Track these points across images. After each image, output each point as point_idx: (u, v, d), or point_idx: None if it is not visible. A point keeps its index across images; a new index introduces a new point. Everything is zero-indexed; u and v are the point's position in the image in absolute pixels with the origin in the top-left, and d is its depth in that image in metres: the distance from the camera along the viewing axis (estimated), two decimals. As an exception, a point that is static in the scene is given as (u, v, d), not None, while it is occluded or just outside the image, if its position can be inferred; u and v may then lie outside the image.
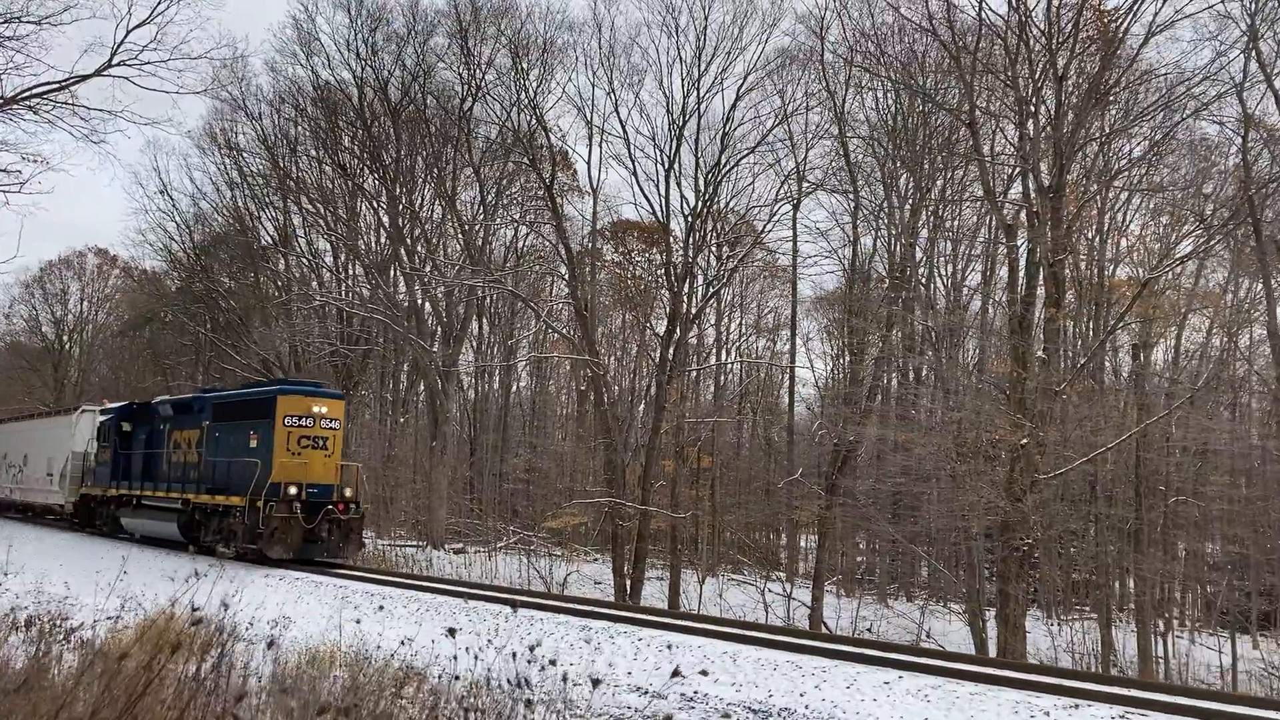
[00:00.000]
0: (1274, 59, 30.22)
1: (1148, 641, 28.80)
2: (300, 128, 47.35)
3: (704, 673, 13.50)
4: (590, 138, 38.78)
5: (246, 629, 11.91)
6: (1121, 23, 28.12)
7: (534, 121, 38.14)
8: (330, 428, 23.91)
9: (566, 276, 39.28)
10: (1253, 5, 29.31)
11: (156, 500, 27.46)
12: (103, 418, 32.26)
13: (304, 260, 51.08)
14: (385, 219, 46.23)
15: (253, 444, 24.11)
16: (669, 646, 14.73)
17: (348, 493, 23.98)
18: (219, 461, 25.22)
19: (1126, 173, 31.91)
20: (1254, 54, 29.89)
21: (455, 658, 7.21)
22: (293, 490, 22.91)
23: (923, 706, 11.85)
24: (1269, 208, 31.44)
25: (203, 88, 35.38)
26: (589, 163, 48.14)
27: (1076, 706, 11.28)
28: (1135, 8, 27.46)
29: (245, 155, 49.15)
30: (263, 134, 47.36)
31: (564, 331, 42.45)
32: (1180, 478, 34.26)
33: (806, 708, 12.48)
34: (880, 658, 13.27)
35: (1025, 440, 24.28)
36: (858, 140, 36.75)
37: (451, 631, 6.64)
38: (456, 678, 7.25)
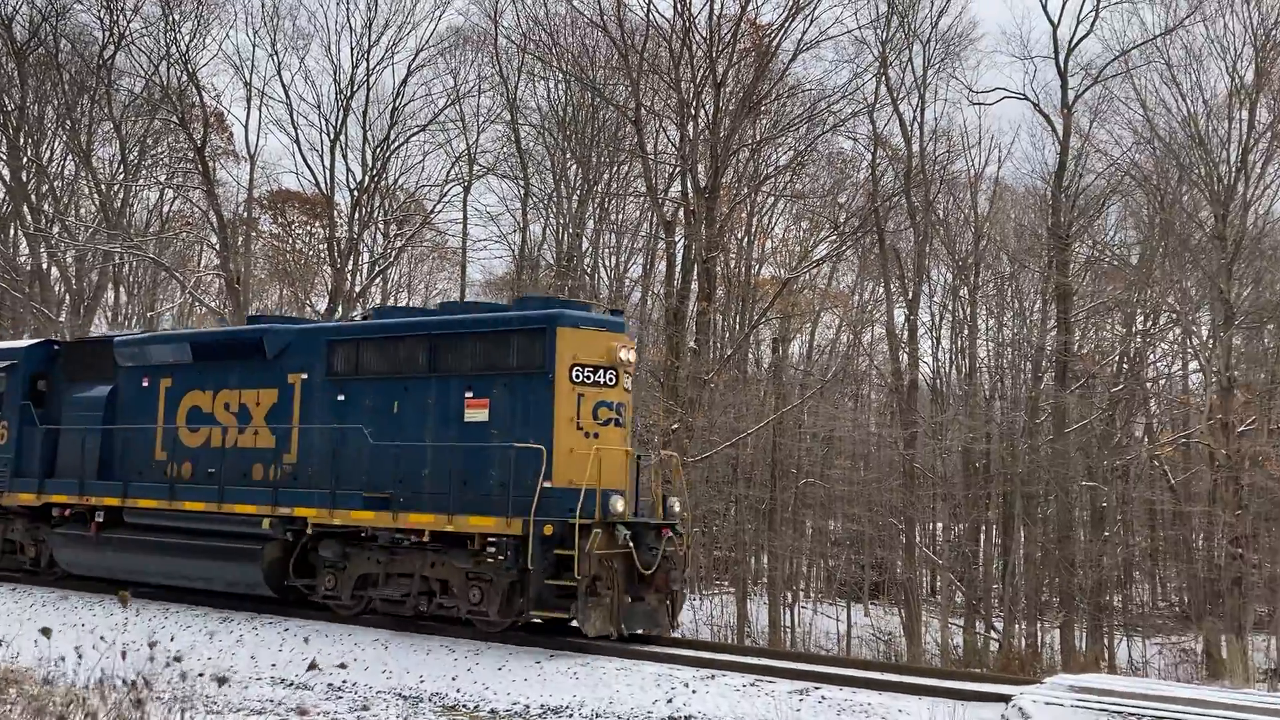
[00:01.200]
0: (900, 85, 33.64)
1: (778, 613, 31.20)
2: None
3: (342, 665, 13.16)
4: (249, 100, 36.52)
5: None
6: (774, 38, 30.23)
7: (185, 78, 35.42)
8: (628, 389, 14.39)
9: (218, 246, 36.86)
10: (884, 34, 32.46)
11: (174, 516, 16.14)
12: None
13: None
14: (5, 171, 41.27)
15: (476, 415, 13.96)
16: (305, 640, 14.21)
17: (675, 506, 14.44)
18: (392, 450, 14.39)
19: (774, 179, 34.37)
20: (884, 79, 33.15)
21: (64, 659, 6.53)
22: (619, 505, 13.37)
23: (572, 684, 12.16)
24: (891, 219, 35.02)
25: None
26: (246, 126, 45.29)
27: (713, 676, 12.01)
28: (786, 25, 29.63)
29: None
30: None
31: (213, 305, 39.83)
32: (809, 461, 37.39)
33: (459, 691, 12.47)
34: (531, 640, 13.48)
35: (676, 425, 25.57)
36: (529, 128, 37.09)
37: (46, 631, 5.98)
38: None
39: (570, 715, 11.48)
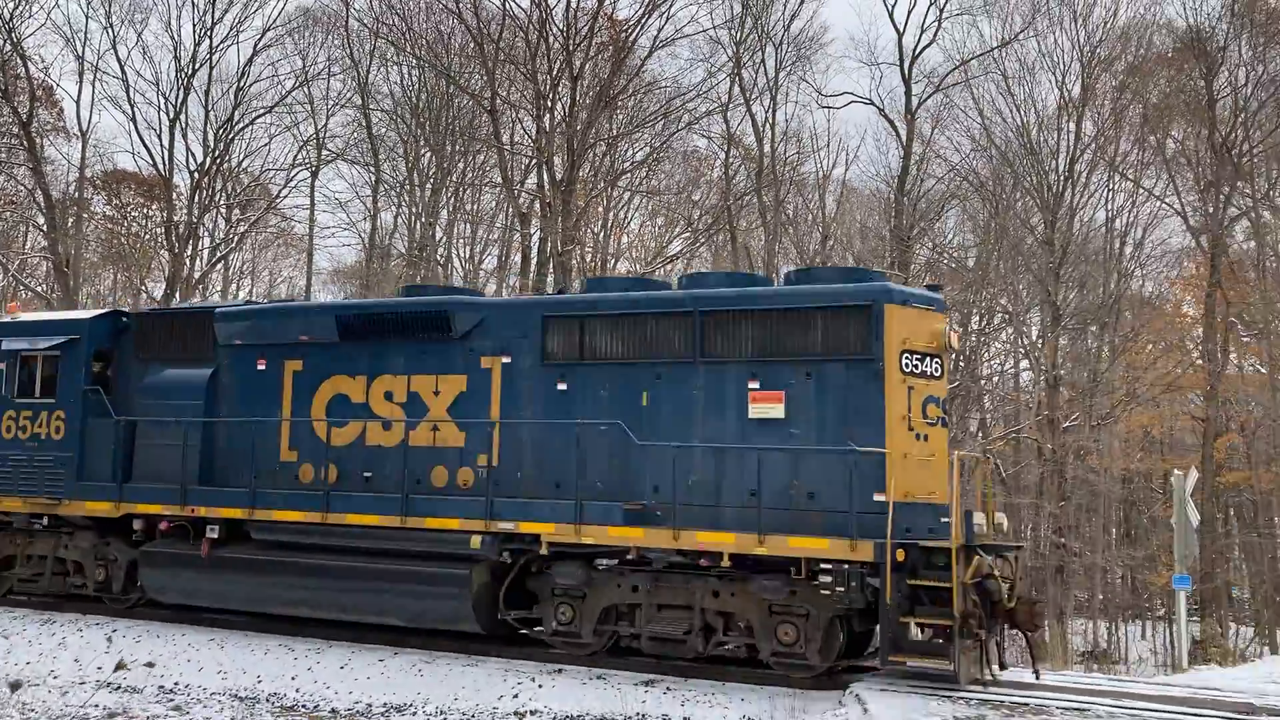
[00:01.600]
0: (753, 86, 34.28)
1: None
2: None
3: (150, 664, 12.61)
4: (81, 74, 34.71)
5: None
6: (631, 33, 30.34)
7: (9, 47, 33.31)
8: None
9: (45, 227, 34.83)
10: (738, 34, 33.01)
11: (328, 532, 13.03)
12: (14, 344, 15.53)
13: None
14: None
15: (767, 410, 11.60)
16: (137, 640, 13.60)
17: (1005, 523, 12.41)
18: (657, 452, 11.75)
19: (630, 174, 34.55)
20: (738, 79, 33.73)
21: None
22: (981, 524, 11.32)
23: (416, 681, 11.98)
24: (743, 217, 35.68)
25: None
26: (78, 102, 42.78)
27: (560, 671, 12.00)
28: (643, 20, 29.77)
29: None
30: None
31: (39, 289, 37.62)
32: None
33: (298, 691, 12.14)
34: (377, 639, 13.22)
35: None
36: (381, 113, 36.30)
37: None
38: None
39: (414, 713, 11.31)
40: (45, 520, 15.06)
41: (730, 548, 11.09)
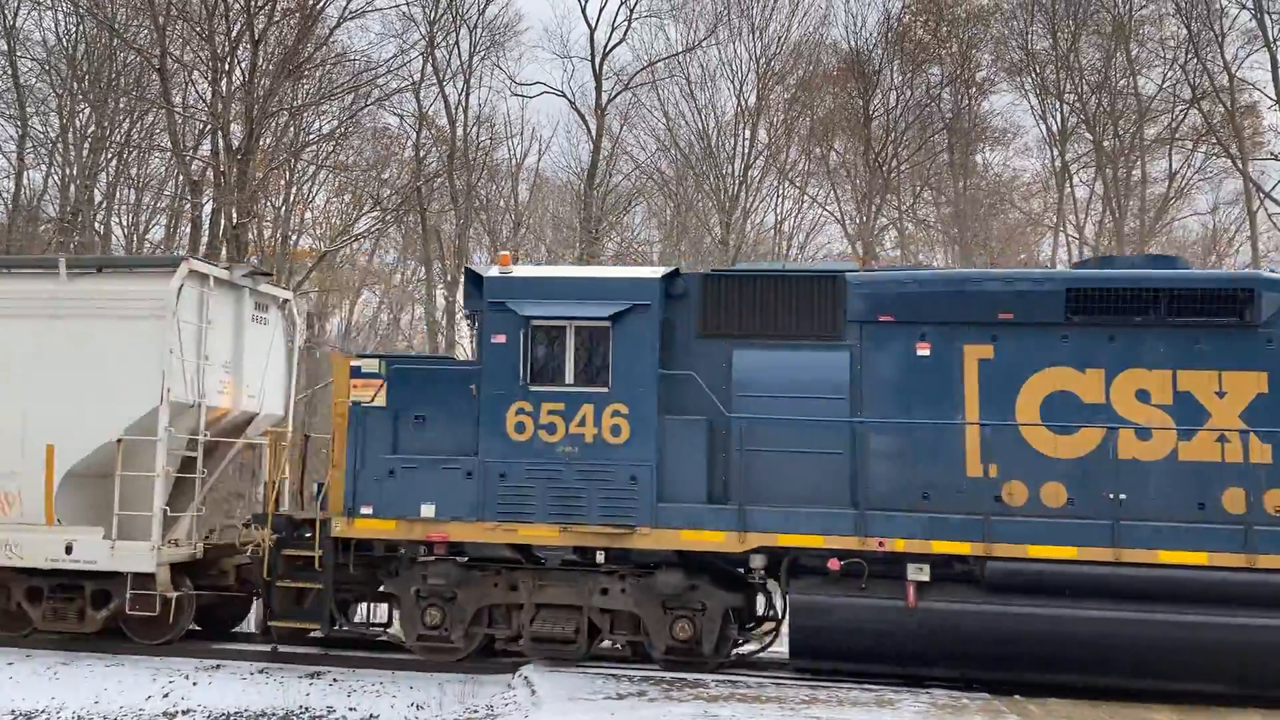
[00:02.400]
0: (446, 67, 33.91)
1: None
2: None
3: None
4: None
5: None
6: (319, 1, 29.15)
7: None
8: None
9: None
10: (433, 14, 32.54)
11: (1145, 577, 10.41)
12: (535, 309, 11.36)
13: None
14: None
15: None
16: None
17: None
18: None
19: (315, 147, 33.18)
20: (431, 59, 33.25)
21: None
22: None
23: (51, 685, 11.04)
24: (435, 200, 35.24)
25: None
26: None
27: (218, 667, 11.40)
28: (332, -10, 28.69)
29: None
30: None
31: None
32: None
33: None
34: None
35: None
36: (32, 62, 32.72)
37: None
38: None
39: (47, 718, 10.40)
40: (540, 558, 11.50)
41: None
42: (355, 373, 11.57)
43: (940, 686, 10.95)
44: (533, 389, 11.11)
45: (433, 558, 11.37)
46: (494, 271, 11.66)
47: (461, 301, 12.55)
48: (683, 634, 11.00)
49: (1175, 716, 9.71)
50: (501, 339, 11.19)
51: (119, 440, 11.76)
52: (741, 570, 11.30)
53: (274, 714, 10.42)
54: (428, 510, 11.10)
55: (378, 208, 34.85)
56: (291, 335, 14.10)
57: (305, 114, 31.67)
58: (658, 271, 11.74)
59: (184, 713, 10.48)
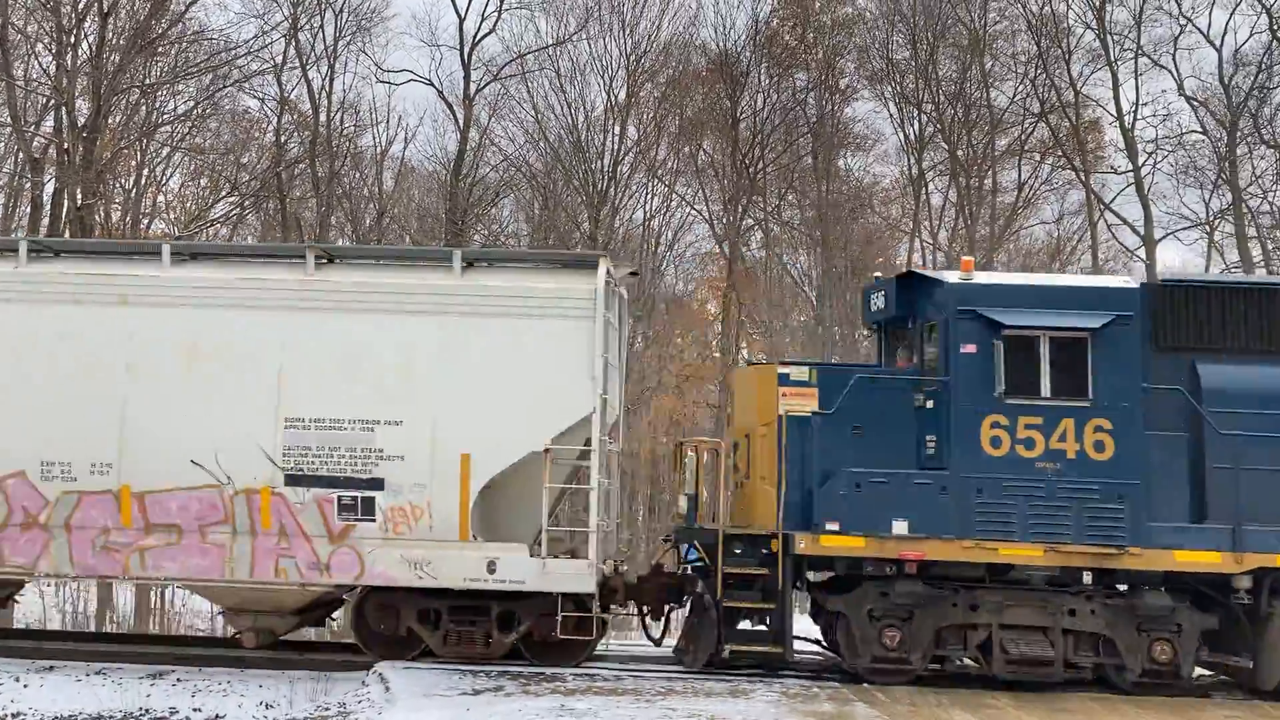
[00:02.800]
0: (310, 51, 33.00)
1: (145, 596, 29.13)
2: None
3: None
4: None
5: None
6: (174, -24, 27.95)
7: None
8: None
9: None
10: (297, -5, 31.65)
11: None
12: (1014, 318, 10.82)
13: None
14: None
15: None
16: None
17: None
18: None
19: (170, 128, 31.85)
20: (294, 42, 32.29)
21: None
22: None
23: None
24: (296, 187, 34.26)
25: None
26: None
27: (51, 668, 10.87)
28: (189, -35, 27.57)
29: None
30: None
31: None
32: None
33: None
34: None
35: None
36: None
37: None
38: None
39: None
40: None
41: None
42: (784, 380, 11.12)
43: (793, 676, 11.23)
44: (1008, 401, 10.71)
45: (895, 575, 10.85)
46: (955, 277, 11.20)
47: (880, 305, 11.78)
48: (1162, 656, 10.72)
49: (1012, 702, 10.15)
50: (972, 349, 10.77)
51: (546, 450, 10.82)
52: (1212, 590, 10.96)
53: (111, 716, 9.96)
54: (900, 527, 10.65)
55: (235, 192, 33.70)
56: (622, 332, 12.66)
57: (159, 93, 30.40)
58: (1132, 281, 11.40)
59: (13, 716, 9.93)
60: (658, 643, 11.94)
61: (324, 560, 10.81)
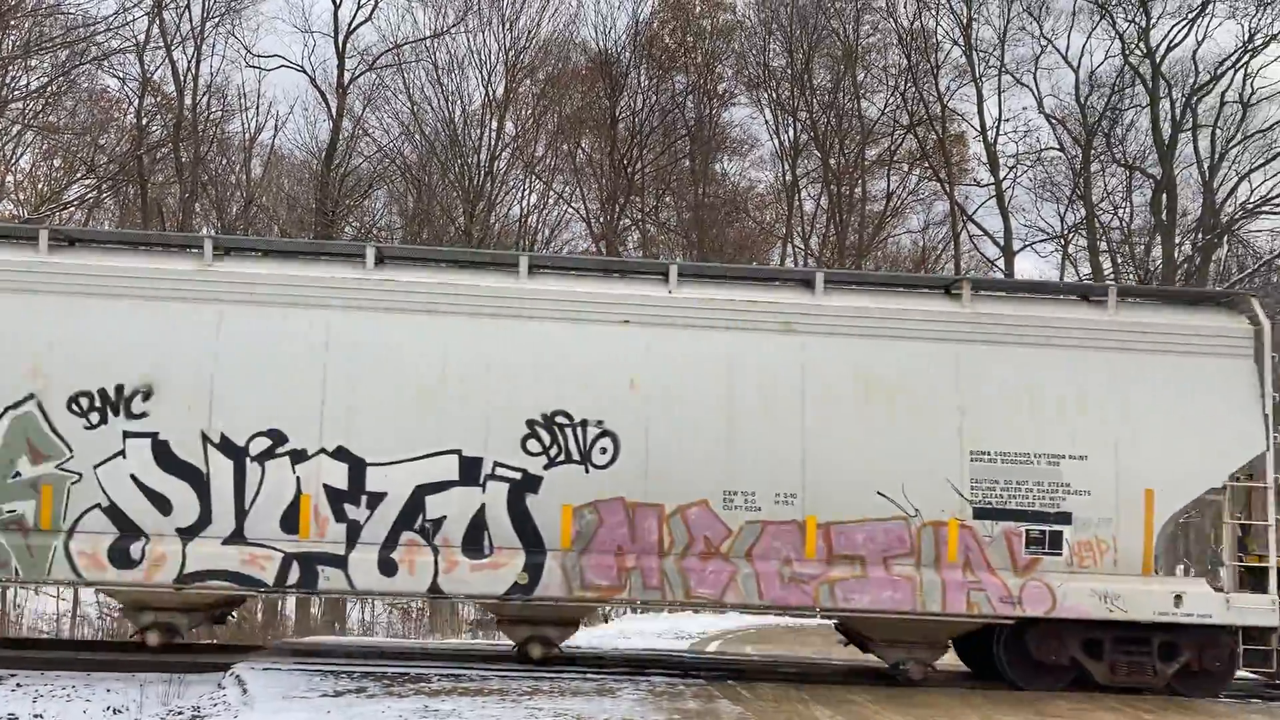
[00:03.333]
0: (175, 31, 31.79)
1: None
2: None
3: None
4: None
5: None
6: (29, -55, 26.59)
7: None
8: None
9: None
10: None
11: None
12: None
13: None
14: None
15: None
16: None
17: None
18: None
19: (21, 105, 30.26)
20: (159, 21, 31.06)
21: None
22: None
23: None
24: (159, 171, 33.02)
25: None
26: None
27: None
28: (45, -65, 26.25)
29: None
30: None
31: None
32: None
33: None
34: None
35: None
36: None
37: None
38: None
39: None
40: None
41: None
42: None
43: (660, 674, 11.33)
44: None
45: None
46: None
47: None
48: None
49: (870, 698, 10.46)
50: None
51: (1225, 486, 11.33)
52: None
53: (-61, 726, 9.42)
54: None
55: (91, 175, 32.22)
56: None
57: (10, 68, 28.86)
58: None
59: None
60: None
61: (1015, 593, 11.04)
